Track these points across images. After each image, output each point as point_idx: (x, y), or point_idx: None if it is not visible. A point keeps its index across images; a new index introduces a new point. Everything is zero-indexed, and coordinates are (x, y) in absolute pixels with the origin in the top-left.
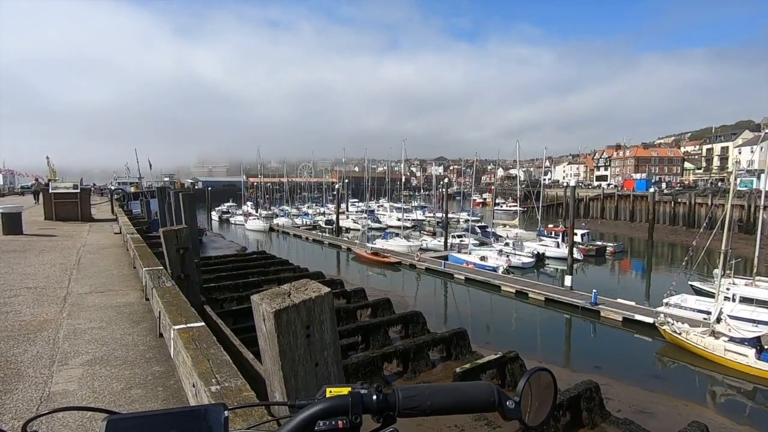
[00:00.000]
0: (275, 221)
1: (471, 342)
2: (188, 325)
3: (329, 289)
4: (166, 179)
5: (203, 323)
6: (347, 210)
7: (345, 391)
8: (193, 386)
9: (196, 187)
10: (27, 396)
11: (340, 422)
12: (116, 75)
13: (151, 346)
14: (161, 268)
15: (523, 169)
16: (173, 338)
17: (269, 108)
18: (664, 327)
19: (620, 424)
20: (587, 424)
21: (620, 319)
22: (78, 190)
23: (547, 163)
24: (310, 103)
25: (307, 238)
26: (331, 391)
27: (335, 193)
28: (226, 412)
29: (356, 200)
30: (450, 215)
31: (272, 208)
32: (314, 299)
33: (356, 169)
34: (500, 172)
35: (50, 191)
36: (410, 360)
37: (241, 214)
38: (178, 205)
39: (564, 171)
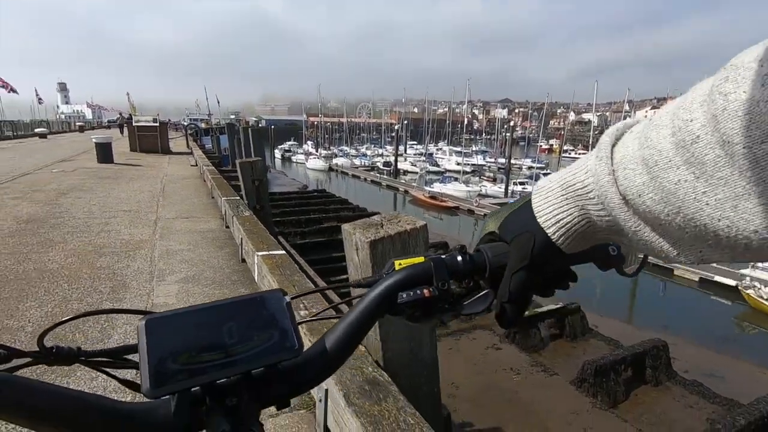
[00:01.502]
0: (334, 161)
1: None
2: (270, 252)
3: (424, 223)
4: (232, 117)
5: (284, 251)
6: (405, 152)
7: (419, 259)
8: None
9: (260, 125)
10: (134, 305)
11: (425, 290)
12: (188, 16)
13: (235, 270)
14: (238, 198)
15: (598, 114)
16: (257, 263)
17: (330, 47)
18: (749, 291)
19: (687, 385)
20: (650, 381)
21: (696, 279)
22: (157, 124)
23: (627, 107)
24: (372, 42)
25: (365, 179)
26: (400, 263)
27: (393, 134)
28: (287, 297)
29: (415, 143)
30: (513, 161)
31: (331, 148)
32: (409, 231)
33: (415, 110)
34: (571, 117)
35: (134, 125)
36: None
37: (302, 153)
38: (247, 141)
39: (647, 115)
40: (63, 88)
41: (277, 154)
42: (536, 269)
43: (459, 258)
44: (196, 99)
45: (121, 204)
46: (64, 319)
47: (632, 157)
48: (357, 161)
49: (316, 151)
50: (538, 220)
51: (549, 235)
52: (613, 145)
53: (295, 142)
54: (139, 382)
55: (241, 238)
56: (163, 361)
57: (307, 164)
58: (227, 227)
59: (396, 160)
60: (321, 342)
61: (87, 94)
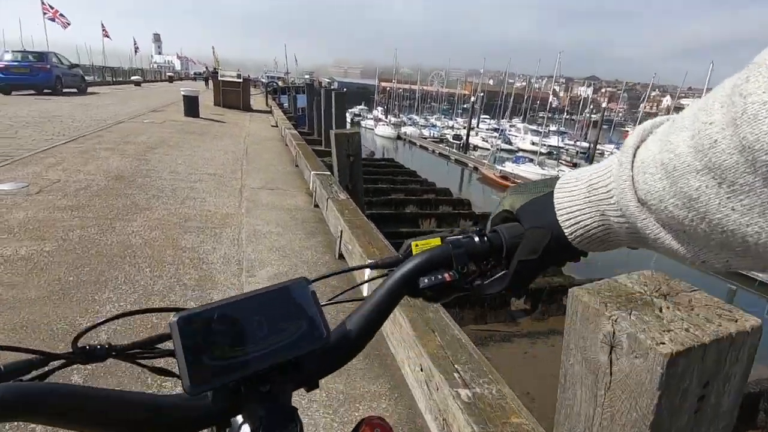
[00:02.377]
0: (403, 129)
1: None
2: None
3: (759, 322)
4: (306, 76)
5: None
6: (477, 126)
7: (436, 241)
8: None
9: (333, 87)
10: None
11: (447, 275)
12: None
13: (333, 269)
14: (328, 173)
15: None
16: (368, 274)
17: (407, 10)
18: None
19: None
20: (763, 426)
21: None
22: (241, 80)
23: None
24: (450, 5)
25: (433, 151)
26: (417, 245)
27: (466, 106)
28: (310, 285)
29: (488, 117)
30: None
31: (401, 115)
32: (734, 337)
33: (491, 82)
34: (666, 101)
35: (219, 79)
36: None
37: (371, 119)
38: (328, 104)
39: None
40: (157, 39)
41: (347, 117)
42: (545, 261)
43: (477, 239)
44: (274, 57)
45: (206, 165)
46: (98, 321)
47: (652, 161)
48: (426, 132)
49: (386, 118)
50: (558, 217)
51: (566, 234)
52: (637, 147)
53: (365, 107)
54: (169, 368)
55: (341, 231)
56: (199, 359)
57: (376, 130)
58: (316, 206)
59: (468, 134)
60: (344, 325)
61: (177, 46)
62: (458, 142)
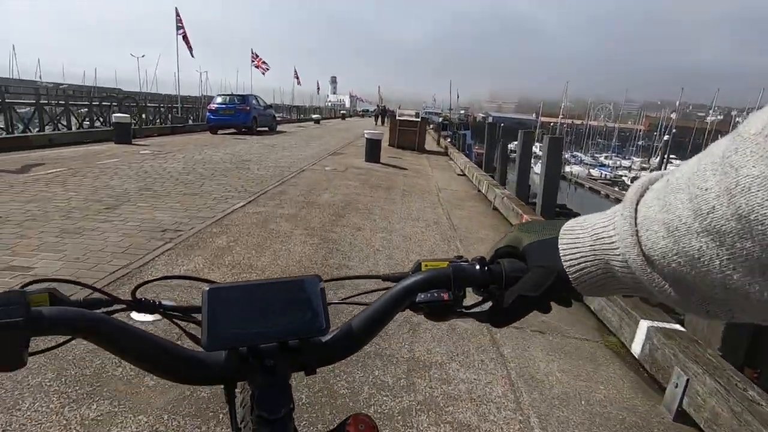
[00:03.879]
0: (567, 168)
1: None
2: None
3: None
4: (462, 111)
5: None
6: (665, 167)
7: (443, 264)
8: None
9: (487, 122)
10: None
11: (444, 294)
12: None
13: None
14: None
15: None
16: None
17: (568, 41)
18: None
19: None
20: None
21: None
22: (419, 119)
23: None
24: (620, 30)
25: (607, 195)
26: (426, 265)
27: (642, 143)
28: (322, 283)
29: (674, 157)
30: None
31: (564, 152)
32: None
33: (673, 115)
34: None
35: (397, 118)
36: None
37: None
38: (527, 149)
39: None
40: (333, 81)
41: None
42: (542, 300)
43: (477, 267)
44: (433, 93)
45: (411, 249)
46: (151, 278)
47: (654, 219)
48: (595, 171)
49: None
50: (563, 261)
51: (570, 278)
52: (637, 202)
53: None
54: (199, 335)
55: None
56: (218, 324)
57: (535, 168)
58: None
59: None
60: (348, 325)
61: (348, 85)
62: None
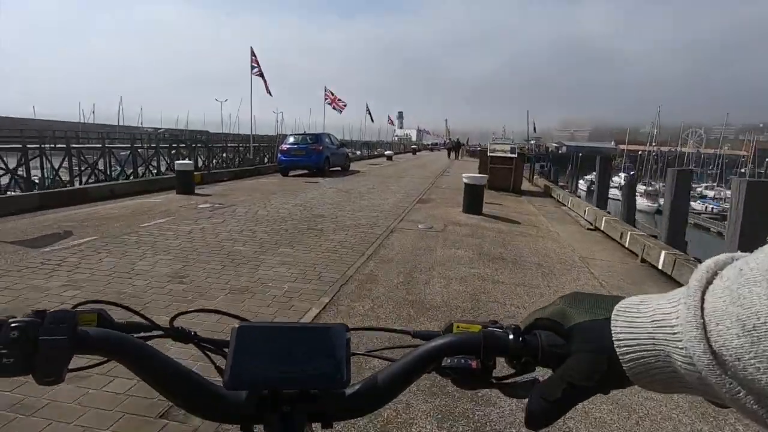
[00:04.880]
0: (662, 201)
1: None
2: None
3: None
4: (532, 142)
5: None
6: None
7: (475, 328)
8: None
9: (560, 152)
10: None
11: (473, 362)
12: (494, 46)
13: None
14: None
15: None
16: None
17: (652, 64)
18: None
19: None
20: None
21: None
22: (515, 155)
23: None
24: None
25: (718, 233)
26: (459, 326)
27: (745, 170)
28: (348, 333)
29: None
30: None
31: (652, 183)
32: None
33: None
34: None
35: (489, 153)
36: None
37: (615, 187)
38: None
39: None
40: (400, 116)
41: (582, 185)
42: (592, 390)
43: (511, 337)
44: (503, 124)
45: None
46: (188, 310)
47: (725, 313)
48: (696, 204)
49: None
50: (617, 350)
51: (625, 370)
52: (704, 290)
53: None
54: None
55: None
56: (242, 363)
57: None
58: None
59: None
60: (370, 380)
61: (413, 119)
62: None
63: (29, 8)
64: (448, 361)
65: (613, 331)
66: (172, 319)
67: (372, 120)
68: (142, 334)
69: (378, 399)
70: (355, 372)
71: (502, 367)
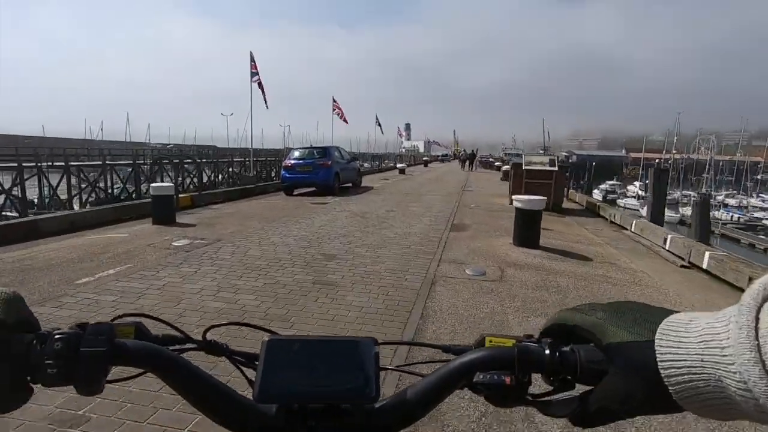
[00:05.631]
0: (682, 211)
1: None
2: None
3: None
4: (541, 152)
5: None
6: None
7: (509, 342)
8: None
9: (570, 161)
10: None
11: (506, 378)
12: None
13: None
14: None
15: None
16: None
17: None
18: None
19: None
20: None
21: None
22: (555, 168)
23: None
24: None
25: (752, 245)
26: (491, 341)
27: (760, 177)
28: (377, 347)
29: None
30: None
31: (671, 191)
32: None
33: None
34: None
35: (524, 167)
36: None
37: (631, 196)
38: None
39: None
40: (407, 127)
41: (597, 194)
42: (636, 412)
43: (547, 352)
44: (513, 135)
45: None
46: (219, 323)
47: None
48: (719, 214)
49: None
50: (661, 369)
51: (672, 395)
52: (759, 309)
53: (618, 182)
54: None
55: None
56: (271, 377)
57: (643, 211)
58: None
59: None
60: (400, 395)
61: (420, 131)
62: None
63: (40, 26)
64: (481, 376)
65: (657, 352)
66: (205, 332)
67: (382, 132)
68: (176, 347)
69: (408, 415)
70: (383, 388)
71: (536, 384)
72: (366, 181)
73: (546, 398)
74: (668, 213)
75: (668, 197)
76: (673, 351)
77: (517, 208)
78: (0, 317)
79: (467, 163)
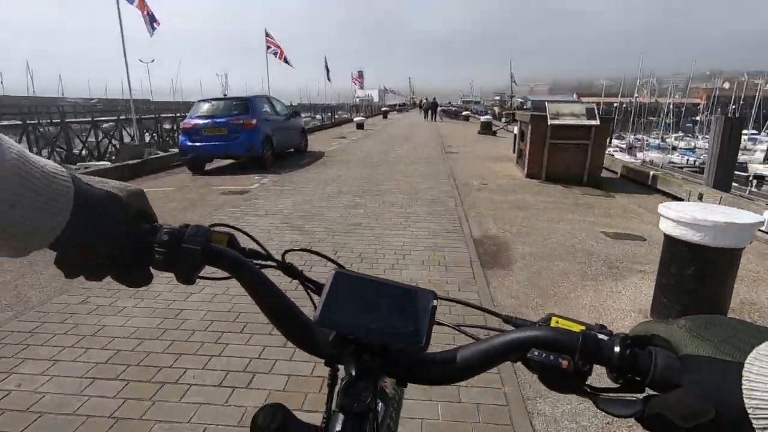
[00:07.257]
0: (641, 155)
1: None
2: None
3: None
4: (497, 98)
5: None
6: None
7: (577, 327)
8: None
9: (525, 107)
10: None
11: (563, 361)
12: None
13: None
14: None
15: None
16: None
17: (603, 17)
18: None
19: None
20: None
21: None
22: (596, 122)
23: None
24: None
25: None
26: (558, 321)
27: (697, 118)
28: (435, 301)
29: (756, 133)
30: None
31: (623, 135)
32: None
33: (725, 85)
34: None
35: (550, 122)
36: None
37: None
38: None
39: None
40: (360, 75)
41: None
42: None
43: (616, 349)
44: (471, 81)
45: None
46: (296, 248)
47: None
48: (676, 158)
49: (608, 141)
50: (747, 401)
51: (755, 428)
52: None
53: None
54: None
55: None
56: (332, 306)
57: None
58: None
59: None
60: (450, 352)
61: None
62: (745, 174)
63: None
64: (536, 353)
65: (745, 378)
66: (284, 254)
67: (329, 79)
68: (259, 262)
69: (455, 372)
70: (433, 343)
71: (597, 376)
72: (315, 142)
73: (609, 395)
74: (628, 158)
75: (622, 141)
76: (765, 380)
77: (670, 237)
78: (129, 205)
79: (429, 112)
